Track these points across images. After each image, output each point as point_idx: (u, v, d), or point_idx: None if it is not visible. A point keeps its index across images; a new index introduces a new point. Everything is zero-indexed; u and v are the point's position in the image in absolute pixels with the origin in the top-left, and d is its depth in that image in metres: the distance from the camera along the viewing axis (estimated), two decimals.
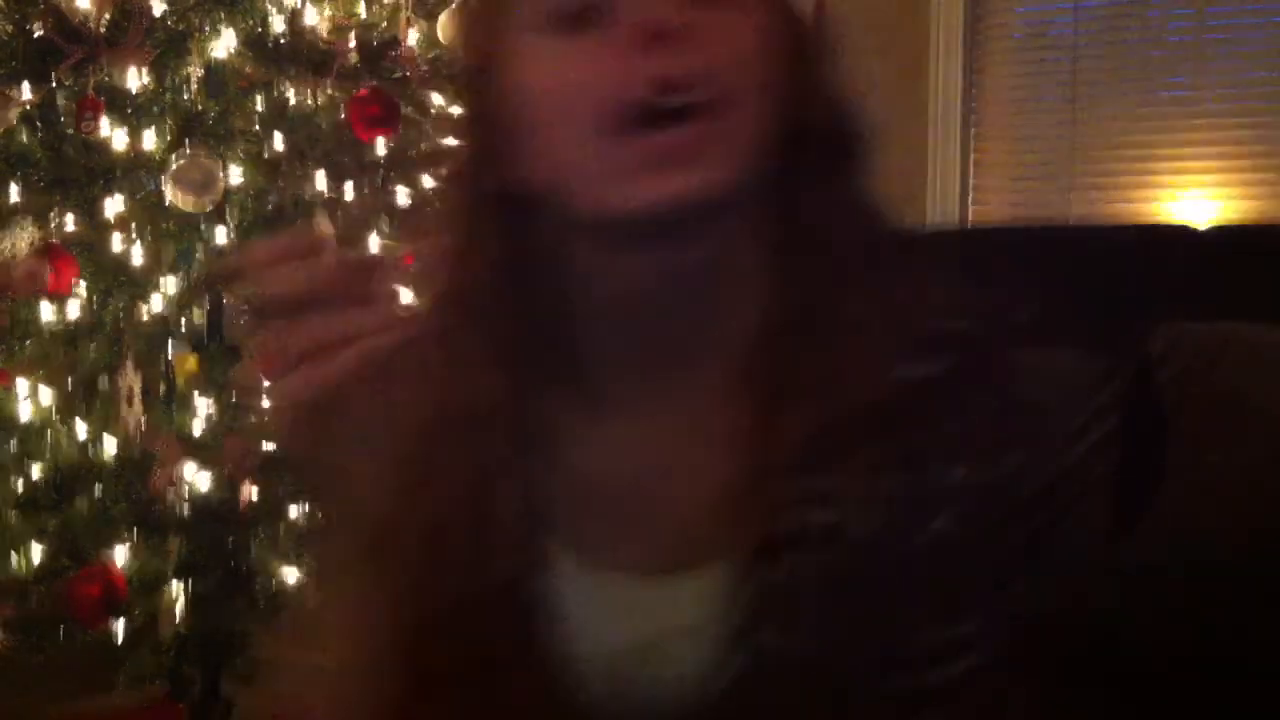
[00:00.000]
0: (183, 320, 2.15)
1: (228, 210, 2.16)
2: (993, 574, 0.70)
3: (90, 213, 2.04)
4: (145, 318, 2.05)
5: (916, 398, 0.67)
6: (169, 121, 2.06)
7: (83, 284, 2.03)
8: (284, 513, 2.06)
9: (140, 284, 2.04)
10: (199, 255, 2.17)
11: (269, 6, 2.19)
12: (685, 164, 0.63)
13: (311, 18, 2.23)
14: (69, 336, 2.02)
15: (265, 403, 0.75)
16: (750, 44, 0.66)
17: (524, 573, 0.69)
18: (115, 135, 2.03)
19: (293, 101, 2.19)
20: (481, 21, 0.70)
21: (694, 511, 0.69)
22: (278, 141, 2.14)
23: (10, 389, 2.06)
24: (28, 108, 1.98)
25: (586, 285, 0.70)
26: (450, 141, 0.76)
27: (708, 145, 0.64)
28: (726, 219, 0.67)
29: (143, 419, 2.00)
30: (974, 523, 0.67)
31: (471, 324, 0.70)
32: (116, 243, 2.09)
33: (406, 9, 2.33)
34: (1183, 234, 2.71)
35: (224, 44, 2.13)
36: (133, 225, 2.12)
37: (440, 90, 2.37)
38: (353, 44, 2.19)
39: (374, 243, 2.26)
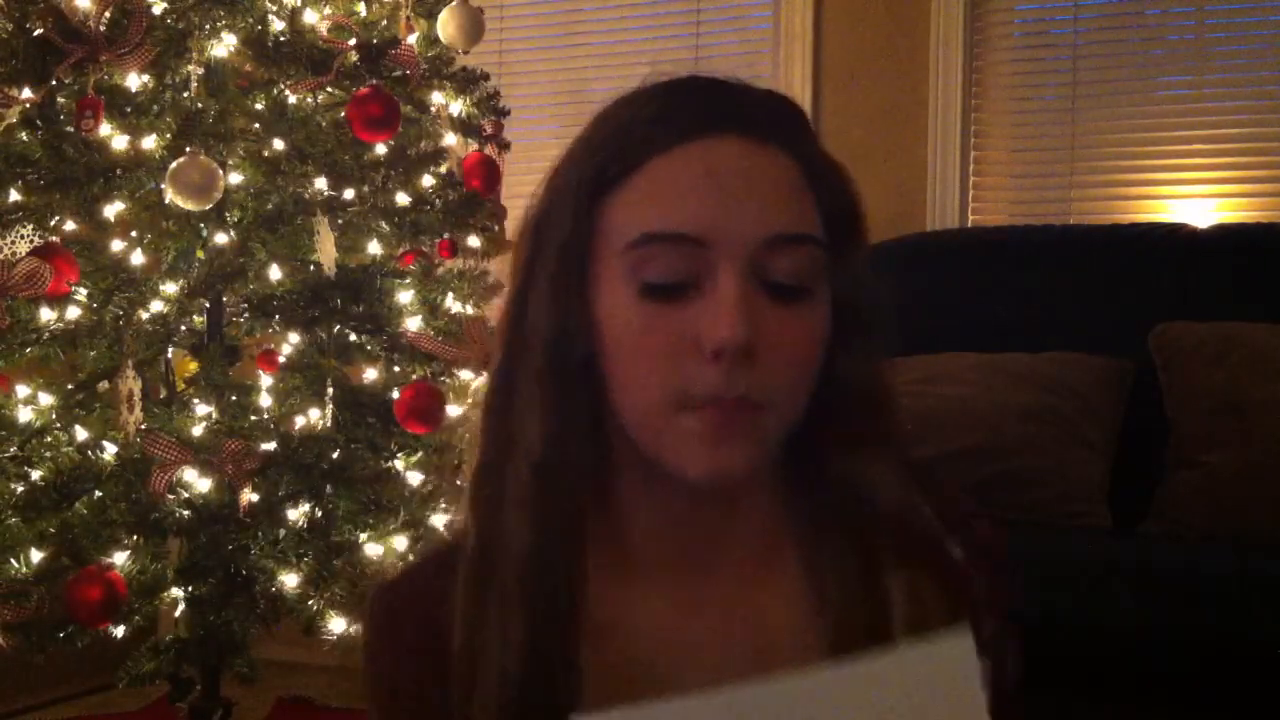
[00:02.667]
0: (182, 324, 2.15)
1: (227, 210, 2.16)
2: None
3: (90, 213, 2.04)
4: (145, 319, 2.04)
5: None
6: (169, 121, 2.06)
7: (82, 289, 2.03)
8: (283, 516, 2.06)
9: (140, 285, 2.04)
10: (199, 255, 2.17)
11: (269, 6, 2.19)
12: (733, 442, 0.72)
13: (311, 17, 2.22)
14: (69, 338, 2.02)
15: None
16: (810, 346, 0.75)
17: None
18: (115, 135, 2.03)
19: (292, 101, 2.19)
20: (581, 233, 0.76)
21: (727, 672, 0.76)
22: (278, 141, 2.14)
23: (10, 394, 2.06)
24: (28, 108, 1.98)
25: (630, 498, 0.80)
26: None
27: (756, 429, 0.73)
28: (758, 479, 0.78)
29: (143, 421, 1.99)
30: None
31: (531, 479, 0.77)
32: (116, 243, 2.09)
33: (406, 9, 2.33)
34: (1183, 234, 2.72)
35: (224, 44, 2.13)
36: (133, 226, 2.12)
37: (440, 90, 2.37)
38: (353, 44, 2.18)
39: (373, 245, 2.26)
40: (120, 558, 1.95)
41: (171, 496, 1.98)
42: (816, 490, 0.79)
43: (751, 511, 0.80)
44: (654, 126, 0.75)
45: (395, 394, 2.18)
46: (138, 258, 2.11)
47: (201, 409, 2.05)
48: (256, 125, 2.16)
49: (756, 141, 0.74)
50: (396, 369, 2.26)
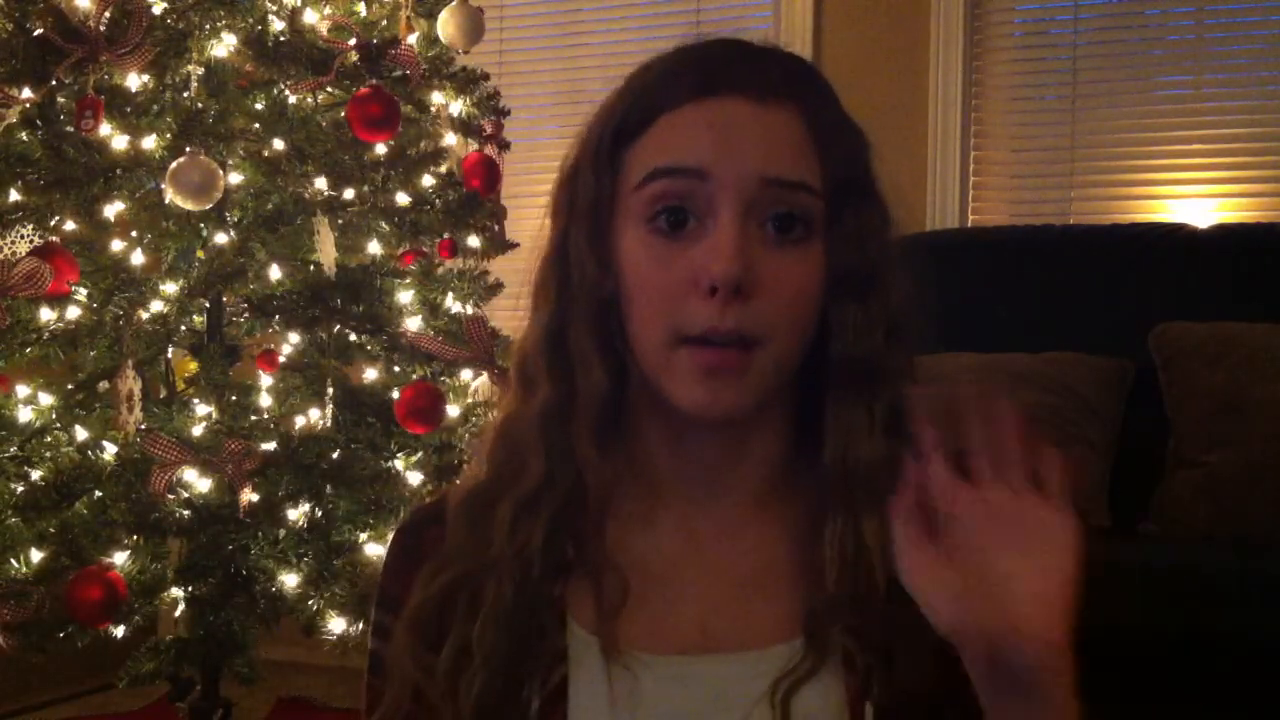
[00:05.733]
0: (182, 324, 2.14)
1: (228, 210, 2.16)
2: None
3: (90, 213, 2.04)
4: (145, 318, 2.04)
5: None
6: (169, 121, 2.06)
7: (82, 289, 2.03)
8: (283, 516, 2.06)
9: (140, 285, 2.04)
10: (199, 255, 2.17)
11: (269, 6, 2.19)
12: (725, 379, 0.77)
13: (311, 17, 2.22)
14: (69, 338, 2.02)
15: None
16: (804, 286, 0.78)
17: (547, 663, 0.79)
18: (115, 135, 2.03)
19: (293, 101, 2.19)
20: (605, 186, 0.82)
21: (721, 597, 0.81)
22: (278, 141, 2.14)
23: (10, 394, 2.06)
24: (28, 108, 1.98)
25: (652, 434, 0.84)
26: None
27: (748, 367, 0.77)
28: (759, 416, 0.81)
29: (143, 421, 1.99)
30: None
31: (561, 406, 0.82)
32: (116, 243, 2.09)
33: (406, 9, 2.33)
34: (1183, 234, 2.72)
35: (224, 44, 2.13)
36: (133, 226, 2.12)
37: (440, 90, 2.37)
38: (353, 44, 2.18)
39: (373, 245, 2.26)
40: (120, 558, 1.95)
41: (171, 496, 1.98)
42: (818, 446, 0.83)
43: (758, 454, 0.84)
44: (668, 85, 0.81)
45: (395, 394, 2.17)
46: (138, 258, 2.11)
47: (201, 409, 2.05)
48: (256, 125, 2.16)
49: (763, 101, 0.79)
50: (396, 369, 2.26)
